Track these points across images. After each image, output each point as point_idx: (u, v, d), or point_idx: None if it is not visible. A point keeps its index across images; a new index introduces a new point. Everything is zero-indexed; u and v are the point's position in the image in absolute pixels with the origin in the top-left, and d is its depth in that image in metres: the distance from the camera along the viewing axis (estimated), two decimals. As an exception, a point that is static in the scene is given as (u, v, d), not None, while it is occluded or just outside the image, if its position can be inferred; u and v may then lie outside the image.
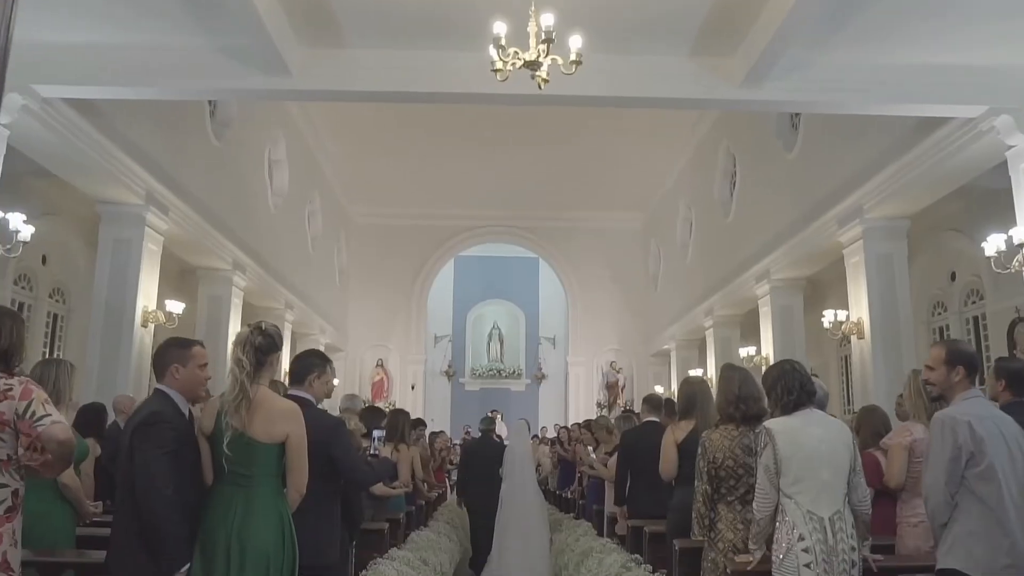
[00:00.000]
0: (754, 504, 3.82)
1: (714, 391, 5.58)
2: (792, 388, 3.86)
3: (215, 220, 12.74)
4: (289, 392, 4.44)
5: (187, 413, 3.55)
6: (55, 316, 12.43)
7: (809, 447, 3.70)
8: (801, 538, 3.58)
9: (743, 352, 15.05)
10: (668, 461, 5.44)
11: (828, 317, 11.36)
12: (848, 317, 11.01)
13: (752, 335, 16.73)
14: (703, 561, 4.35)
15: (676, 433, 5.47)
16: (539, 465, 12.49)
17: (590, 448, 8.28)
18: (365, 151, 19.85)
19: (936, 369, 3.80)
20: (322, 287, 20.76)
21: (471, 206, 23.34)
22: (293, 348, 19.40)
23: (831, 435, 3.76)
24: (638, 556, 5.87)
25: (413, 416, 11.66)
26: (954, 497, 3.45)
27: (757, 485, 3.80)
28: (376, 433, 4.91)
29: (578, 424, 11.49)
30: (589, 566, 6.25)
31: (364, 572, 4.98)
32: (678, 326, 20.29)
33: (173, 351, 3.61)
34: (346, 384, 23.18)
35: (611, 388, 24.26)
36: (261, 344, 3.54)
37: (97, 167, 9.34)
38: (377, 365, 24.06)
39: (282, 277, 16.70)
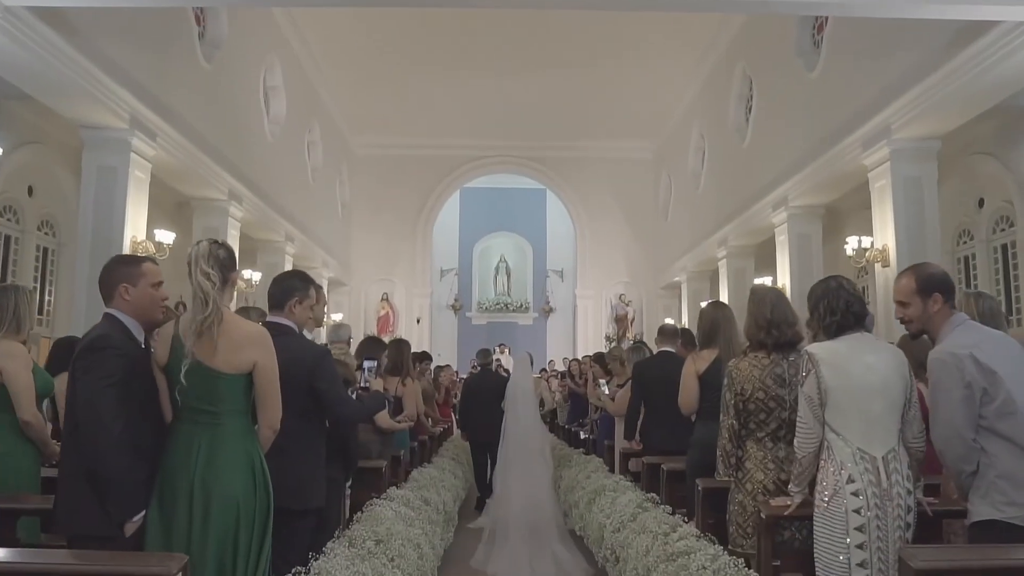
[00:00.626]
0: (796, 440, 3.37)
1: (740, 317, 5.14)
2: (835, 308, 3.36)
3: (208, 148, 12.18)
4: (268, 319, 3.99)
5: (142, 340, 3.10)
6: (45, 250, 12.07)
7: (858, 376, 3.22)
8: (850, 480, 3.13)
9: (758, 282, 14.52)
10: (688, 393, 4.99)
11: (851, 244, 10.82)
12: (872, 244, 10.46)
13: (767, 265, 16.22)
14: (729, 504, 3.93)
15: (697, 363, 5.01)
16: (542, 400, 12.15)
17: (603, 382, 7.86)
18: (366, 79, 19.15)
19: (909, 303, 3.35)
20: (324, 220, 20.26)
21: (477, 136, 22.69)
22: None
23: (884, 363, 3.27)
24: (655, 495, 5.47)
25: (419, 350, 11.36)
26: (975, 441, 3.03)
27: (799, 418, 3.34)
28: (367, 364, 4.46)
29: (589, 356, 11.08)
30: (601, 505, 5.86)
31: (359, 514, 4.59)
32: (689, 257, 19.78)
33: (120, 269, 3.14)
34: (351, 319, 22.83)
35: (620, 321, 23.88)
36: (224, 258, 3.07)
37: (76, 88, 8.77)
38: (382, 299, 23.72)
39: (281, 208, 16.18)
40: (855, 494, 3.11)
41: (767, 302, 3.96)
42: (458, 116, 21.43)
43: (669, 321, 21.98)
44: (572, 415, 11.44)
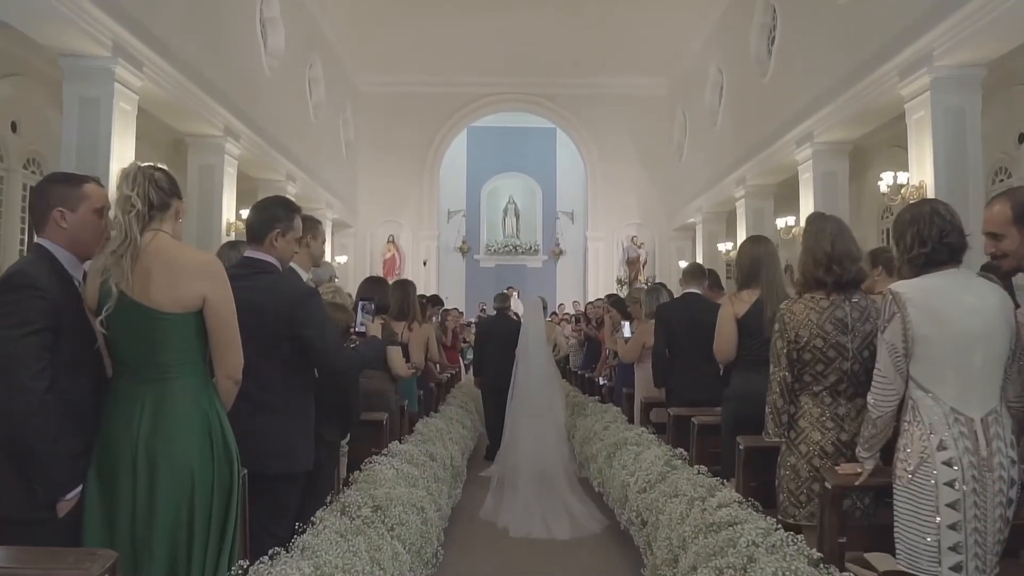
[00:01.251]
0: (871, 397, 2.83)
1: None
2: (927, 237, 2.79)
3: (201, 80, 11.50)
4: (246, 254, 3.45)
5: (80, 277, 2.55)
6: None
7: (956, 321, 2.67)
8: (942, 446, 2.60)
9: (780, 223, 13.90)
10: (725, 340, 4.44)
11: (886, 181, 10.16)
12: (908, 181, 9.81)
13: (787, 205, 15.57)
14: (779, 468, 3.41)
15: (736, 305, 4.45)
16: (556, 345, 11.65)
17: (626, 324, 7.32)
18: (369, 13, 18.32)
19: (1004, 235, 2.81)
20: (327, 160, 19.59)
21: (485, 72, 21.84)
22: (298, 223, 18.45)
23: (987, 305, 2.71)
24: (683, 451, 4.97)
25: (426, 294, 10.86)
26: None
27: (876, 371, 2.80)
28: (363, 304, 3.90)
29: (604, 299, 10.56)
30: (623, 460, 5.37)
31: (356, 474, 4.10)
32: (705, 198, 19.11)
33: (55, 190, 2.58)
34: (356, 262, 22.38)
35: (632, 264, 23.30)
36: (161, 181, 2.52)
37: (53, 12, 8.10)
38: (388, 241, 23.16)
39: (281, 147, 15.52)
40: (947, 463, 2.58)
41: (827, 233, 3.38)
42: (466, 52, 20.59)
43: (683, 264, 21.43)
44: (586, 361, 10.95)
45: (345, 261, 21.03)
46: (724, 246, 17.49)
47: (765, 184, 15.81)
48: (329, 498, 3.60)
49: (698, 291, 6.08)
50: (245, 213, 11.36)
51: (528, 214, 25.88)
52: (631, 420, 6.97)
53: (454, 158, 24.57)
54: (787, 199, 15.63)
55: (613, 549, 5.65)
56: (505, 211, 25.93)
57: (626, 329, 7.37)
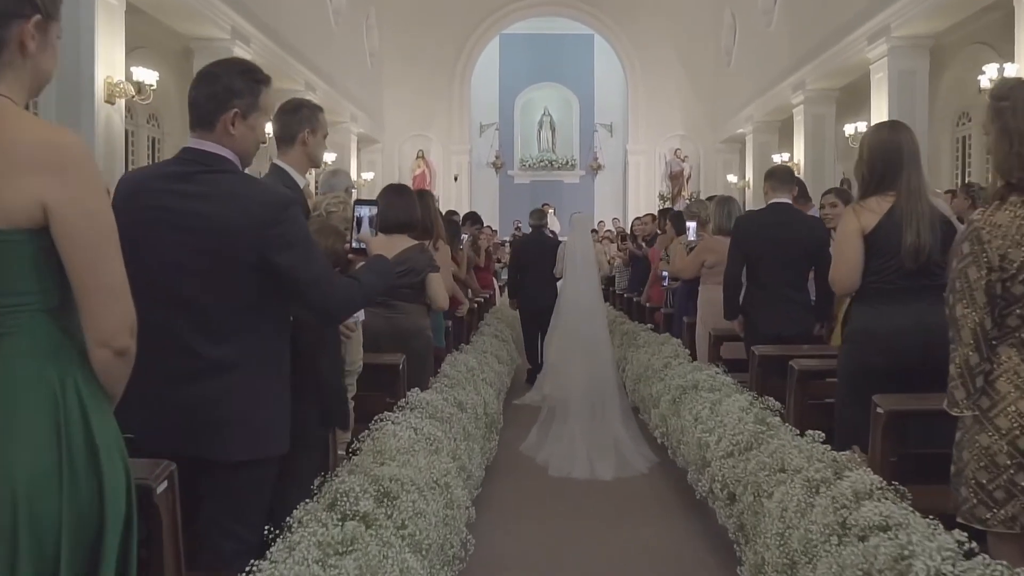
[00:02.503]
0: None
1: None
2: None
3: (203, -26, 10.34)
4: (187, 145, 2.41)
5: None
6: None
7: None
8: None
9: (849, 129, 12.54)
10: (849, 263, 3.32)
11: (988, 74, 8.81)
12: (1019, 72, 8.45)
13: (853, 111, 14.23)
14: (962, 449, 2.36)
15: (862, 217, 3.32)
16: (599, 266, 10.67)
17: (692, 226, 6.26)
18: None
19: None
20: (351, 71, 18.34)
21: (517, -28, 20.36)
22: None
23: None
24: (774, 402, 3.94)
25: (457, 211, 9.86)
26: None
27: None
28: (363, 212, 2.81)
29: (654, 215, 9.47)
30: (695, 409, 4.36)
31: (358, 442, 3.13)
32: (756, 106, 17.70)
33: None
34: (384, 178, 21.30)
35: (675, 178, 22.05)
36: None
37: None
38: (418, 157, 22.14)
39: (299, 53, 14.32)
40: None
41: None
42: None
43: (731, 179, 20.13)
44: (632, 283, 9.90)
45: (372, 178, 20.01)
46: (780, 157, 16.13)
47: (827, 88, 14.41)
48: (318, 483, 2.63)
49: (787, 200, 4.96)
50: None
51: (564, 127, 24.46)
52: (694, 356, 5.94)
53: (486, 68, 23.21)
54: (853, 103, 14.31)
55: (661, 491, 5.12)
56: (540, 124, 24.50)
57: (691, 232, 6.28)
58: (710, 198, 7.24)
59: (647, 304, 8.28)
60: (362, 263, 2.64)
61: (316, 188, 7.09)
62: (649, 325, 7.68)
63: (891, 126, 3.48)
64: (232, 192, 2.28)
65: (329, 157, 15.96)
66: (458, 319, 6.55)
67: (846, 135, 12.52)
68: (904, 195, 3.23)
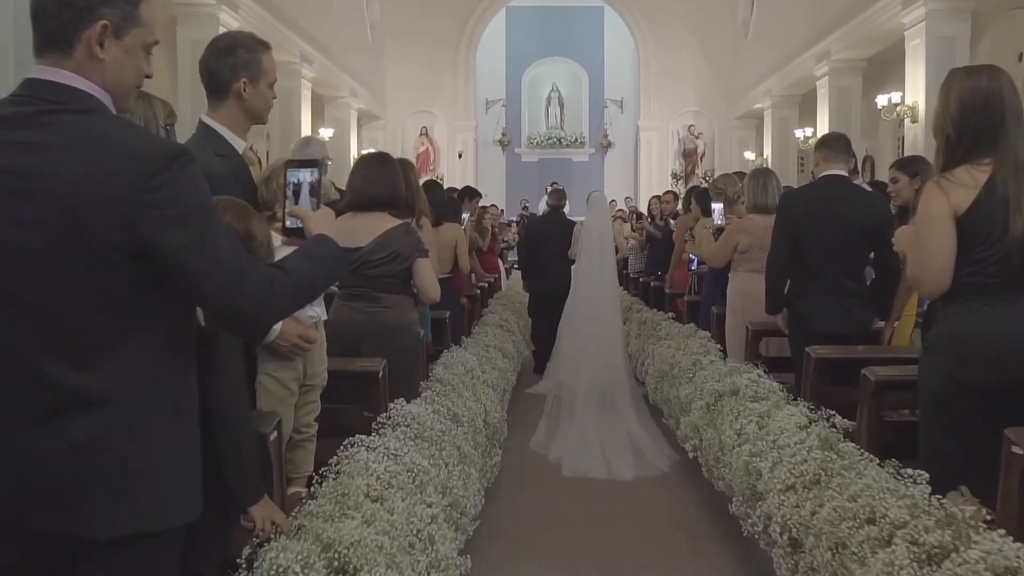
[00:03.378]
0: None
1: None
2: None
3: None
4: (31, 74, 1.64)
5: None
6: None
7: None
8: None
9: (881, 100, 11.68)
10: (938, 256, 2.50)
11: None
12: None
13: (882, 81, 13.40)
14: None
15: (951, 194, 2.53)
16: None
17: (717, 207, 5.51)
18: None
19: None
20: (350, 43, 17.51)
21: (524, -60, 19.49)
22: (319, 114, 16.65)
23: None
24: (829, 414, 3.21)
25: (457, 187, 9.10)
26: None
27: None
28: (301, 177, 2.01)
29: (676, 192, 8.71)
30: (737, 421, 3.62)
31: (318, 479, 2.42)
32: (776, 79, 16.80)
33: None
34: (387, 156, 20.54)
35: (688, 156, 21.24)
36: None
37: None
38: (421, 134, 21.40)
39: (293, 23, 13.50)
40: None
41: None
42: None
43: (749, 156, 19.24)
44: (649, 266, 9.14)
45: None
46: (802, 132, 15.29)
47: (855, 58, 13.51)
48: (246, 553, 1.90)
49: (843, 172, 4.20)
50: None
51: (573, 103, 23.57)
52: (725, 351, 5.20)
53: (492, 41, 22.36)
54: (883, 73, 13.47)
55: (685, 493, 4.69)
56: (548, 100, 23.62)
57: (716, 215, 5.53)
58: (739, 173, 6.46)
59: (668, 290, 7.52)
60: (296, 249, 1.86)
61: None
62: (670, 314, 6.92)
63: (989, 72, 2.62)
64: (90, 140, 1.53)
65: (326, 133, 15.23)
66: (458, 307, 5.82)
67: (878, 107, 11.65)
68: (1007, 164, 2.47)
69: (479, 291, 7.49)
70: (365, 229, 3.74)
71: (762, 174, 5.24)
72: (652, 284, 8.39)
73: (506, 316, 7.53)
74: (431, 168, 20.73)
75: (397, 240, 3.74)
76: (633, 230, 10.03)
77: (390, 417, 3.21)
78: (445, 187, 8.11)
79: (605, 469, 5.08)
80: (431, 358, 4.57)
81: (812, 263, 4.14)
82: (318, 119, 16.19)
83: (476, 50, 21.54)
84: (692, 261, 6.25)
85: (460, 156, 21.02)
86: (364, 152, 4.03)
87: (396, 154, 15.82)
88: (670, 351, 5.58)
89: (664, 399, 5.33)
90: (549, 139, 23.39)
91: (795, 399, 3.66)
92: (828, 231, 4.07)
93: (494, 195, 20.74)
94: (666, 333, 6.28)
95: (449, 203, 6.59)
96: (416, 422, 3.23)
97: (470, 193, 8.11)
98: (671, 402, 5.01)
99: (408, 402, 3.37)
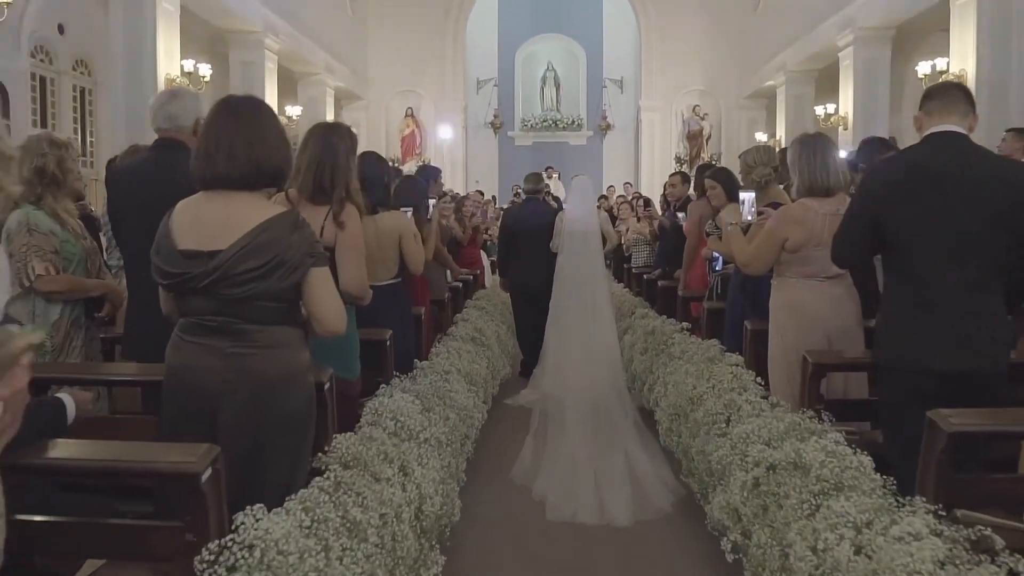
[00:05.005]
0: None
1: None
2: None
3: None
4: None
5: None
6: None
7: None
8: None
9: (923, 69, 10.24)
10: None
11: None
12: None
13: (912, 52, 12.02)
14: None
15: None
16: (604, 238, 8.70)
17: (747, 197, 4.08)
18: None
19: None
20: (326, 15, 16.13)
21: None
22: (290, 92, 15.26)
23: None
24: (995, 538, 1.82)
25: (450, 176, 7.67)
26: None
27: None
28: None
29: (685, 174, 7.33)
30: (817, 529, 2.24)
31: None
32: (791, 52, 15.43)
33: None
34: (370, 139, 19.14)
35: (693, 139, 19.87)
36: None
37: None
38: (407, 115, 20.01)
39: (254, -14, 12.13)
40: None
41: None
42: None
43: (760, 137, 17.77)
44: (660, 259, 7.75)
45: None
46: (823, 108, 13.86)
47: (882, 26, 12.16)
48: None
49: (959, 129, 2.77)
50: (194, 67, 8.58)
51: (570, 83, 22.15)
52: (764, 381, 3.81)
53: (483, 17, 20.99)
54: (910, 45, 12.11)
55: (691, 542, 3.72)
56: (543, 80, 22.20)
57: (745, 209, 4.12)
58: (765, 146, 4.99)
59: (683, 293, 6.12)
60: None
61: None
62: (684, 325, 5.51)
63: None
64: None
65: (294, 111, 13.82)
66: (408, 322, 4.42)
67: (919, 75, 10.20)
68: None
69: (448, 295, 6.09)
70: (224, 222, 2.37)
71: (814, 143, 3.77)
72: (661, 284, 6.98)
73: (483, 324, 6.13)
74: (417, 152, 19.35)
75: (279, 240, 2.37)
76: (639, 219, 8.59)
77: (230, 545, 1.82)
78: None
79: (597, 511, 4.19)
80: (350, 405, 3.19)
81: (917, 266, 2.75)
82: (289, 97, 14.77)
83: (466, 26, 20.22)
84: (715, 260, 4.82)
85: (446, 138, 19.61)
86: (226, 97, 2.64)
87: (380, 137, 14.63)
88: (689, 380, 4.18)
89: (682, 449, 3.94)
90: (544, 121, 22.02)
91: (900, 495, 2.29)
92: (943, 218, 2.68)
93: (487, 182, 19.59)
94: (681, 351, 4.89)
95: (411, 188, 5.20)
96: (279, 551, 1.85)
97: (427, 172, 6.63)
98: (694, 458, 3.62)
99: (289, 495, 1.99)
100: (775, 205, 4.23)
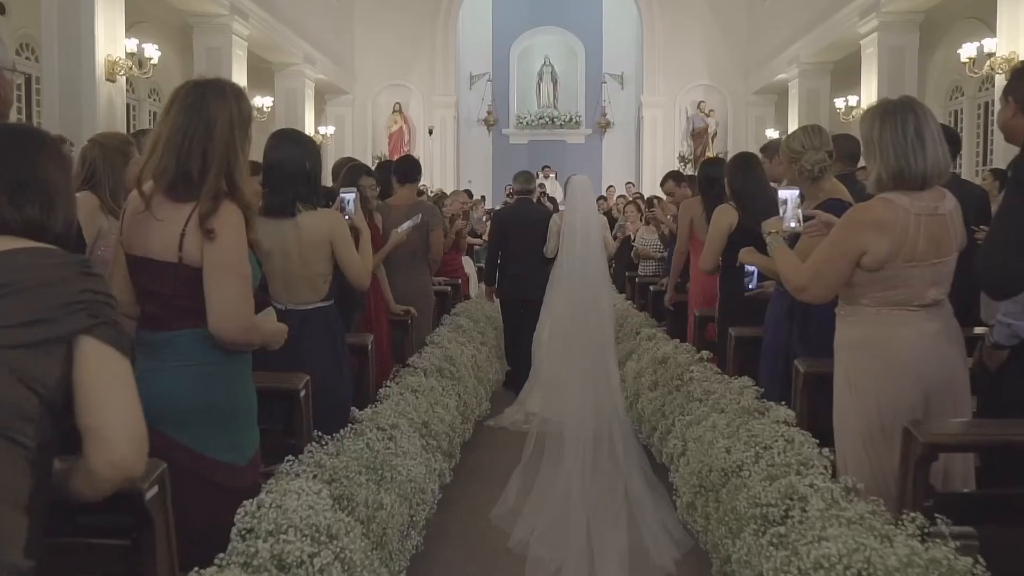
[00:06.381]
0: None
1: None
2: None
3: None
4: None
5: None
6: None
7: None
8: None
9: (969, 50, 9.13)
10: None
11: None
12: None
13: (936, 41, 11.02)
14: None
15: None
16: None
17: (789, 197, 2.97)
18: None
19: None
20: (306, 1, 15.02)
21: None
22: (265, 83, 14.22)
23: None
24: None
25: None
26: None
27: None
28: None
29: (673, 172, 6.33)
30: None
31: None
32: (805, 44, 14.38)
33: None
34: (356, 135, 18.25)
35: (698, 137, 18.84)
36: None
37: None
38: (395, 111, 18.92)
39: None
40: None
41: None
42: None
43: (771, 134, 16.70)
44: (670, 267, 6.68)
45: (331, 132, 16.83)
46: (844, 101, 12.77)
47: (910, 10, 11.06)
48: None
49: None
50: (137, 46, 7.23)
51: (568, 78, 21.11)
52: (818, 441, 2.73)
53: (476, 8, 20.01)
54: (935, 34, 11.09)
55: None
56: (540, 75, 21.20)
57: (789, 208, 2.97)
58: (813, 127, 3.85)
59: (698, 313, 5.02)
60: None
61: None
62: (704, 355, 4.41)
63: None
64: None
65: (264, 102, 12.76)
66: (337, 360, 3.30)
67: (961, 60, 9.10)
68: None
69: (404, 316, 4.96)
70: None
71: (906, 111, 2.63)
72: (674, 301, 5.90)
73: (455, 349, 5.02)
74: (405, 150, 18.30)
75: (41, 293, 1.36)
76: (645, 221, 7.50)
77: None
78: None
79: (585, 566, 3.57)
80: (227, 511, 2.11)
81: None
82: (264, 89, 13.70)
83: (458, 17, 19.17)
84: (748, 274, 3.68)
85: (431, 133, 18.57)
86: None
87: (366, 133, 13.48)
88: (719, 439, 3.08)
89: (712, 543, 2.84)
90: (541, 119, 21.00)
91: None
92: None
93: (480, 182, 18.71)
94: (703, 392, 3.80)
95: (349, 175, 4.12)
96: None
97: (358, 170, 5.39)
98: (734, 568, 2.52)
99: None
100: (831, 206, 3.18)
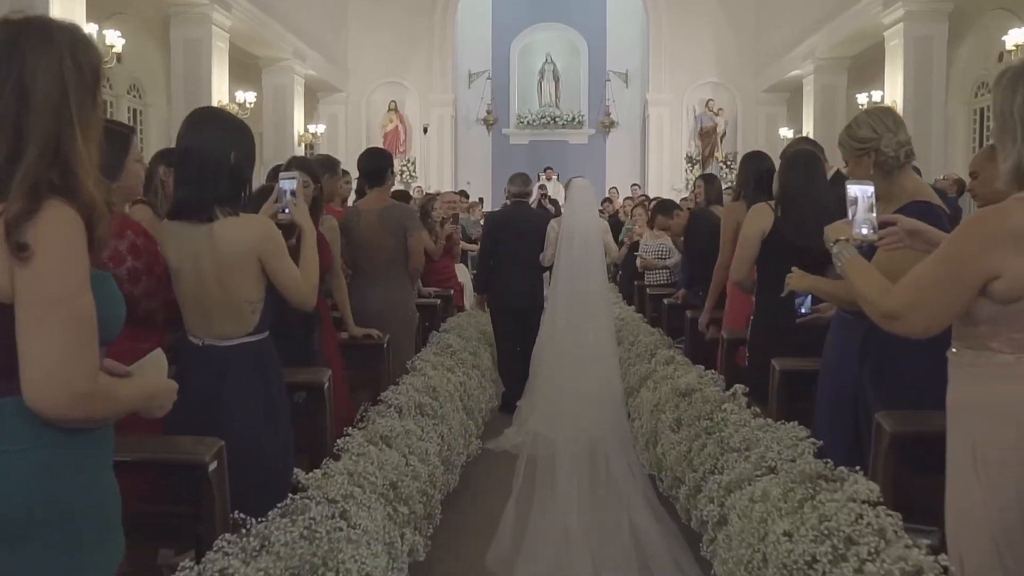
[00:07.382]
0: None
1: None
2: None
3: None
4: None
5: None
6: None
7: None
8: None
9: (1017, 36, 8.36)
10: None
11: None
12: None
13: (964, 35, 10.33)
14: None
15: None
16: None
17: (853, 227, 2.21)
18: None
19: None
20: (300, -5, 14.42)
21: None
22: (251, 78, 13.53)
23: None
24: None
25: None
26: None
27: None
28: None
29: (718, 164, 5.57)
30: None
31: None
32: (821, 37, 13.78)
33: None
34: (349, 134, 17.68)
35: (706, 136, 18.38)
36: None
37: None
38: (390, 110, 18.45)
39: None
40: None
41: None
42: None
43: (785, 133, 16.00)
44: (688, 281, 6.00)
45: (322, 131, 16.20)
46: (867, 96, 12.03)
47: (937, -1, 10.42)
48: None
49: None
50: (97, 32, 6.60)
51: (570, 76, 20.71)
52: (905, 517, 1.99)
53: (475, 4, 19.62)
54: (961, 25, 10.40)
55: None
56: (541, 73, 20.80)
57: (860, 213, 2.17)
58: (882, 108, 3.04)
59: (727, 335, 4.27)
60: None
61: None
62: (739, 389, 3.65)
63: None
64: None
65: (248, 97, 12.03)
66: (313, 388, 2.56)
67: (1007, 47, 8.31)
68: None
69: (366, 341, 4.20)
70: None
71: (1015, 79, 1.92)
72: (690, 315, 5.15)
73: (439, 378, 4.26)
74: (401, 150, 17.66)
75: None
76: (652, 226, 6.78)
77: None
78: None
79: None
80: None
81: None
82: (246, 83, 12.96)
83: (456, 11, 18.74)
84: (802, 298, 2.92)
85: (425, 131, 17.96)
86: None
87: (360, 133, 12.48)
88: (770, 515, 2.33)
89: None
90: (542, 118, 20.58)
91: None
92: None
93: (479, 183, 18.28)
94: (743, 442, 3.04)
95: (324, 167, 3.37)
96: None
97: (328, 165, 4.60)
98: None
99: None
100: (918, 210, 2.47)
